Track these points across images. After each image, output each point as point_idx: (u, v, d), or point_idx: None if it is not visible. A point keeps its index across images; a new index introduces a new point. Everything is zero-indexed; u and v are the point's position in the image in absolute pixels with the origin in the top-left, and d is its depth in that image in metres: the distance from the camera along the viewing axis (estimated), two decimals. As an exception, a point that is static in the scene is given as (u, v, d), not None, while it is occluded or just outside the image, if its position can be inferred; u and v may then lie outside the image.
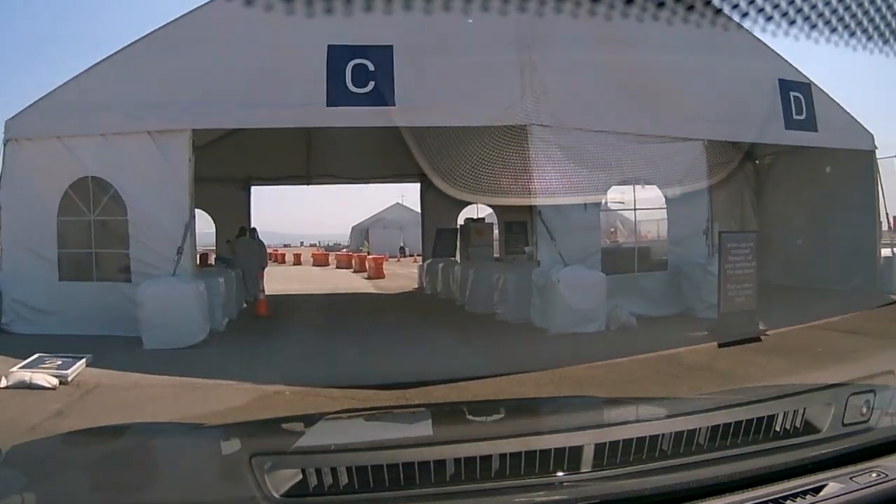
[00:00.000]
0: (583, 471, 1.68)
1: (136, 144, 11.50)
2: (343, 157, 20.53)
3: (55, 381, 7.86)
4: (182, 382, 7.84)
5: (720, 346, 9.55)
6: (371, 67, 11.04)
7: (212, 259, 19.11)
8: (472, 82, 11.33)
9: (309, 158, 21.06)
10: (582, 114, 12.11)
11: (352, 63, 11.00)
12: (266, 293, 17.75)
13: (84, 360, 8.69)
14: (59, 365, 8.32)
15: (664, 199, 13.33)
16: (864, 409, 2.06)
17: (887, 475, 1.57)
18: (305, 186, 21.74)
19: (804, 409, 2.06)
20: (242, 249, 17.06)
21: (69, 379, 8.04)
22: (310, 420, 2.56)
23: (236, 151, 19.49)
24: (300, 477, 1.60)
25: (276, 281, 25.06)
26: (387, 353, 9.49)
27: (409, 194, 48.76)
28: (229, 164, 19.97)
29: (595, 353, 8.56)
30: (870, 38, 3.12)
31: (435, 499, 1.54)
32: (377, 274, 28.14)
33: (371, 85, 11.01)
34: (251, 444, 2.00)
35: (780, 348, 9.18)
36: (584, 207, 12.32)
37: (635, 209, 13.77)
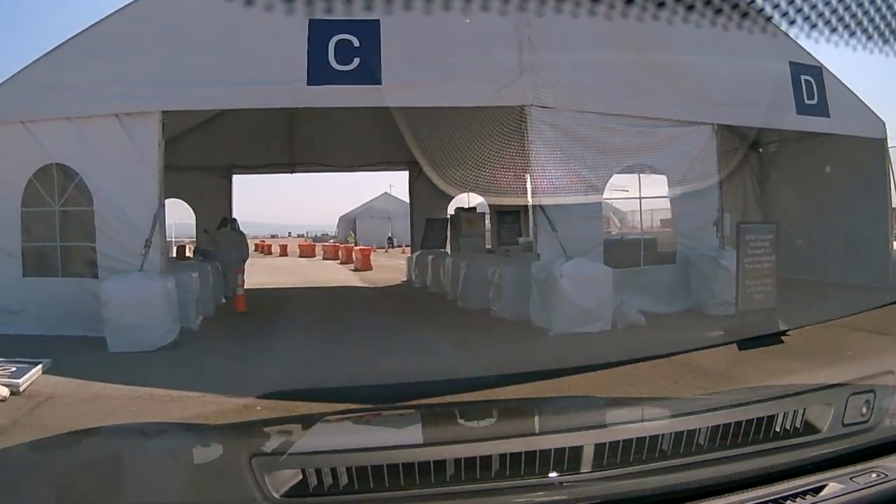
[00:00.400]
0: (583, 471, 1.66)
1: (102, 128, 10.63)
2: (328, 144, 19.82)
3: (5, 392, 7.02)
4: (144, 394, 7.01)
5: (740, 348, 8.73)
6: (356, 43, 10.11)
7: (191, 251, 18.10)
8: (466, 60, 10.42)
9: (292, 146, 20.23)
10: (584, 94, 11.26)
11: (335, 38, 10.07)
12: (248, 286, 16.94)
13: (40, 366, 7.89)
14: (12, 372, 7.47)
15: (670, 188, 12.47)
16: (864, 409, 2.04)
17: (887, 475, 1.53)
18: (289, 175, 20.77)
19: (804, 409, 2.06)
20: (223, 241, 16.14)
21: (21, 389, 7.21)
22: (309, 420, 2.48)
23: (217, 138, 18.75)
24: (300, 477, 1.59)
25: (261, 273, 24.39)
26: (374, 357, 8.59)
27: (397, 184, 47.88)
28: (210, 152, 19.24)
29: (603, 356, 7.69)
30: (870, 37, 3.19)
31: (435, 499, 1.50)
32: (364, 266, 27.24)
33: (356, 62, 10.09)
34: (251, 445, 1.97)
35: (807, 351, 8.35)
36: (585, 197, 11.47)
37: (640, 198, 12.94)
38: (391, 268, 27.23)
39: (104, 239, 10.56)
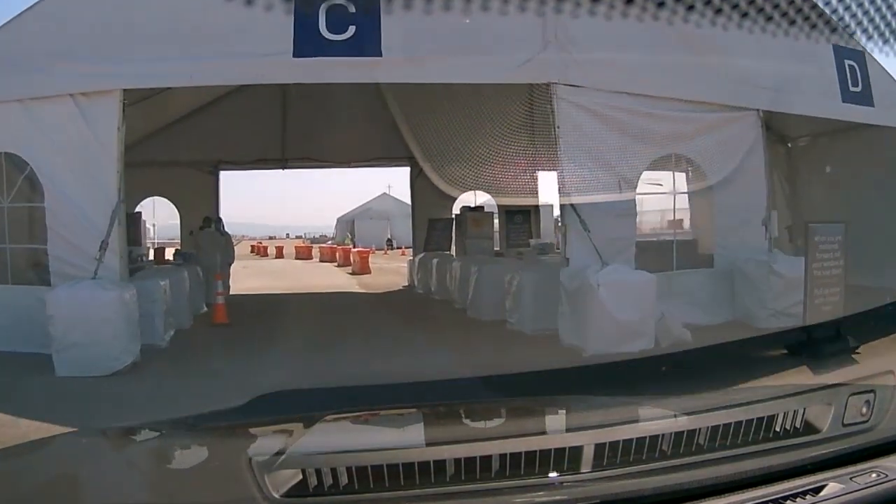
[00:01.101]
0: (583, 471, 1.66)
1: (55, 111, 9.09)
2: (323, 138, 18.30)
3: None
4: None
5: (813, 370, 7.20)
6: (352, 9, 8.54)
7: (173, 254, 16.53)
8: (480, 30, 8.80)
9: (284, 139, 18.72)
10: (616, 73, 9.69)
11: (326, 4, 8.52)
12: (237, 292, 15.56)
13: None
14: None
15: (709, 182, 10.91)
16: (864, 409, 2.03)
17: (887, 475, 1.51)
18: (282, 172, 19.24)
19: (804, 409, 2.06)
20: (206, 243, 14.60)
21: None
22: (309, 420, 2.24)
23: (202, 131, 17.55)
24: (300, 477, 1.57)
25: (253, 276, 23.17)
26: (374, 388, 6.87)
27: (397, 183, 46.54)
28: (195, 146, 17.97)
29: (666, 391, 6.00)
30: (870, 37, 3.33)
31: (435, 499, 1.49)
32: (362, 269, 25.64)
33: (351, 31, 8.50)
34: (251, 445, 1.99)
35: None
36: (619, 191, 9.94)
37: (675, 193, 11.41)
38: (391, 271, 25.75)
39: (57, 240, 9.02)
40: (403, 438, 2.17)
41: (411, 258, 19.83)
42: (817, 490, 1.50)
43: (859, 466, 1.61)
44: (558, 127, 9.42)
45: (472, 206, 19.40)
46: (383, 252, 47.25)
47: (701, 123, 10.57)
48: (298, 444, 2.01)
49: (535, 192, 21.38)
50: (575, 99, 9.40)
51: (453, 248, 19.18)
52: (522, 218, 20.09)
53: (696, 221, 12.96)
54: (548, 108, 9.44)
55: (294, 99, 18.37)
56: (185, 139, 17.59)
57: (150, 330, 9.11)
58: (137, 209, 18.39)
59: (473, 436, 2.22)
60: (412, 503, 1.54)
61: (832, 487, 1.51)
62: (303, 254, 42.64)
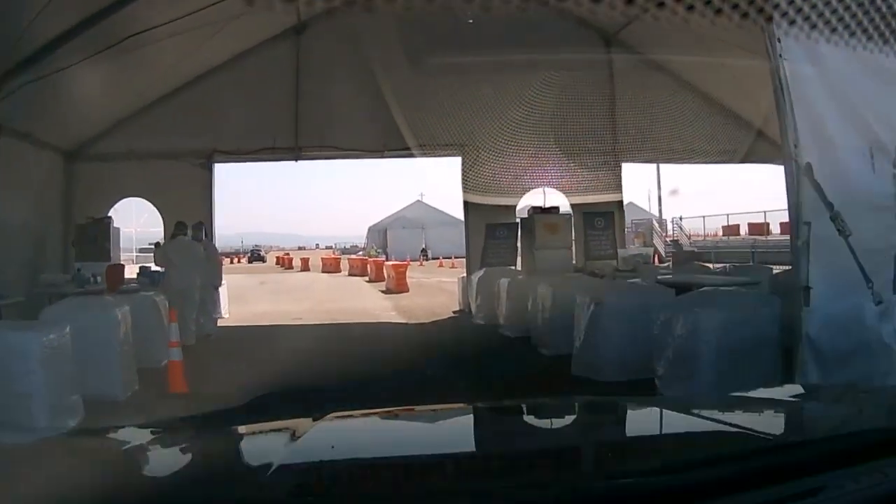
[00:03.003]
0: (583, 471, 1.67)
1: None
2: (346, 121, 13.96)
3: None
4: None
5: None
6: None
7: (137, 273, 12.19)
8: None
9: (297, 123, 14.38)
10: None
11: None
12: (236, 321, 11.41)
13: None
14: None
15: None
16: (865, 409, 2.03)
17: (888, 475, 1.43)
18: (294, 163, 14.79)
19: (805, 409, 2.12)
20: (178, 256, 10.30)
21: None
22: (309, 420, 2.01)
23: (194, 114, 13.95)
24: (300, 477, 1.51)
25: (268, 295, 19.91)
26: None
27: (430, 191, 42.48)
28: (184, 132, 13.95)
29: None
30: (870, 37, 3.48)
31: (435, 499, 1.39)
32: (398, 286, 21.12)
33: None
34: (250, 444, 1.94)
35: None
36: (871, 166, 5.50)
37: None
38: (432, 288, 21.42)
39: None
40: (404, 438, 2.02)
41: (463, 275, 15.32)
42: (817, 490, 1.38)
43: (860, 467, 1.45)
44: (786, 61, 4.96)
45: (543, 206, 14.92)
46: (419, 263, 42.98)
47: None
48: (298, 444, 1.79)
49: (618, 187, 17.16)
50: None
51: (518, 261, 14.80)
52: (604, 222, 15.64)
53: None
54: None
55: (310, 70, 14.19)
56: (170, 123, 13.90)
57: (24, 416, 4.98)
58: (111, 213, 14.47)
59: (474, 436, 2.10)
60: (412, 503, 1.40)
61: (832, 488, 1.39)
62: (330, 266, 38.36)
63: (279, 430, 2.05)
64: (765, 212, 34.39)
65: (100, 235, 13.35)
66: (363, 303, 17.57)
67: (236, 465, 1.73)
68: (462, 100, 14.14)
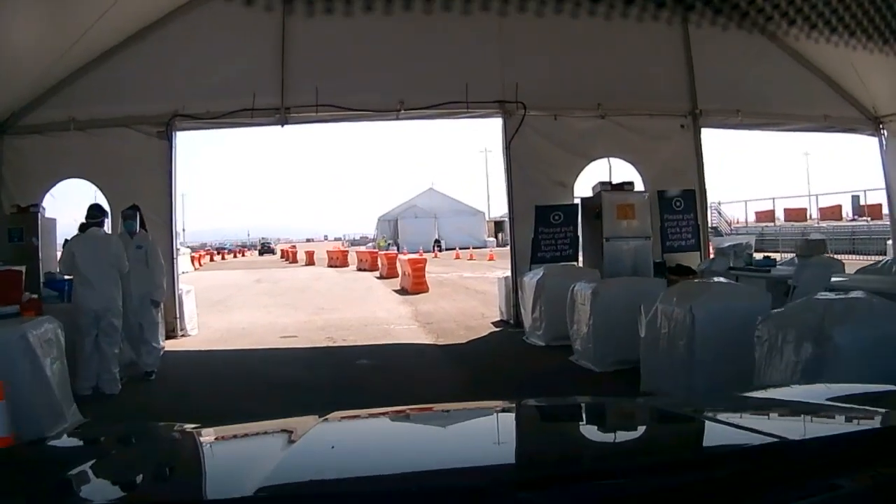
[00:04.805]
0: (583, 471, 1.54)
1: None
2: (348, 72, 10.66)
3: None
4: None
5: None
6: None
7: (43, 281, 8.64)
8: None
9: (284, 75, 10.86)
10: None
11: None
12: (206, 342, 8.97)
13: None
14: None
15: None
16: (865, 410, 1.94)
17: (888, 475, 1.38)
18: (280, 128, 11.21)
19: (806, 409, 2.00)
20: (87, 261, 6.79)
21: None
22: (310, 420, 1.99)
23: (150, 70, 10.92)
24: (300, 477, 1.47)
25: (258, 298, 17.29)
26: None
27: (440, 180, 39.31)
28: (137, 95, 10.92)
29: None
30: (870, 37, 3.11)
31: (434, 499, 1.34)
32: (415, 286, 17.54)
33: None
34: (250, 444, 1.91)
35: None
36: None
37: None
38: (455, 287, 17.96)
39: None
40: (404, 438, 2.00)
41: (503, 275, 11.74)
42: (820, 490, 1.34)
43: (861, 467, 1.41)
44: None
45: (611, 182, 11.31)
46: (433, 255, 39.50)
47: None
48: (298, 444, 1.77)
49: (697, 158, 13.57)
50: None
51: (581, 255, 11.27)
52: (683, 203, 12.03)
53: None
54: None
55: (299, 5, 10.64)
56: (120, 83, 10.82)
57: None
58: (46, 199, 11.27)
59: (473, 436, 2.00)
60: (412, 502, 1.35)
61: (835, 488, 1.34)
62: (336, 261, 34.83)
63: (279, 430, 2.04)
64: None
65: (25, 230, 10.08)
66: (373, 309, 13.90)
67: (236, 465, 1.64)
68: (506, 42, 10.69)
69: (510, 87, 10.99)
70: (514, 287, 10.70)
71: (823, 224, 30.98)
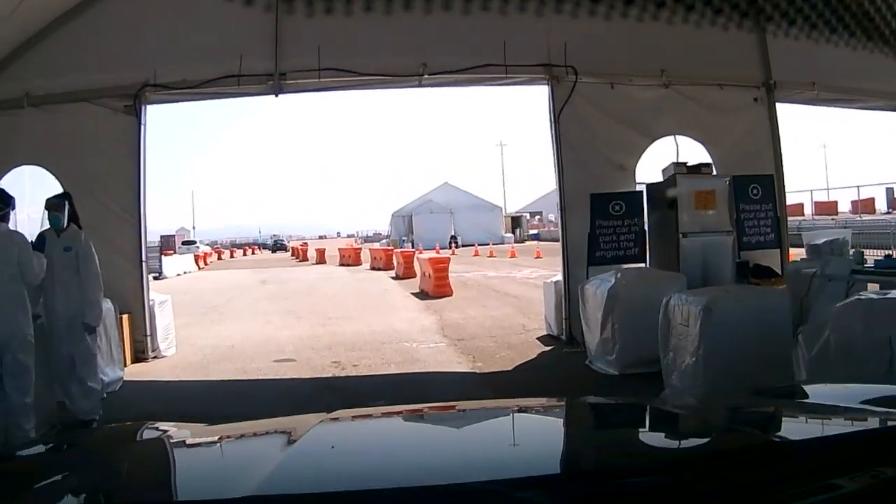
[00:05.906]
0: (583, 471, 1.58)
1: None
2: (358, 29, 8.57)
3: None
4: None
5: None
6: None
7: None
8: None
9: (279, 36, 8.80)
10: None
11: None
12: (173, 367, 8.75)
13: None
14: None
15: None
16: (869, 410, 1.89)
17: (888, 475, 1.37)
18: (273, 97, 9.14)
19: (807, 409, 2.05)
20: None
21: None
22: (310, 420, 1.99)
23: (116, 32, 9.02)
24: (300, 477, 1.48)
25: (261, 303, 15.87)
26: None
27: (458, 171, 37.32)
28: (101, 63, 9.03)
29: None
30: (869, 37, 3.08)
31: (434, 499, 1.32)
32: (438, 289, 15.41)
33: None
34: (251, 444, 1.91)
35: None
36: None
37: None
38: (481, 289, 15.89)
39: None
40: (403, 438, 1.99)
41: (552, 279, 9.57)
42: (822, 490, 1.32)
43: (864, 467, 1.39)
44: None
45: (686, 163, 9.16)
46: (450, 252, 37.37)
47: None
48: (297, 444, 1.77)
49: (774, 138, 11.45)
50: None
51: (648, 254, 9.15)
52: (761, 191, 9.83)
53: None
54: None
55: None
56: (80, 51, 9.00)
57: None
58: None
59: (472, 435, 2.01)
60: (412, 502, 1.34)
61: (838, 488, 1.32)
62: (348, 259, 32.77)
63: (279, 430, 2.06)
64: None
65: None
66: (391, 319, 11.77)
67: (237, 465, 1.65)
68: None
69: (558, 47, 8.93)
70: (566, 294, 8.57)
71: (857, 217, 29.01)
